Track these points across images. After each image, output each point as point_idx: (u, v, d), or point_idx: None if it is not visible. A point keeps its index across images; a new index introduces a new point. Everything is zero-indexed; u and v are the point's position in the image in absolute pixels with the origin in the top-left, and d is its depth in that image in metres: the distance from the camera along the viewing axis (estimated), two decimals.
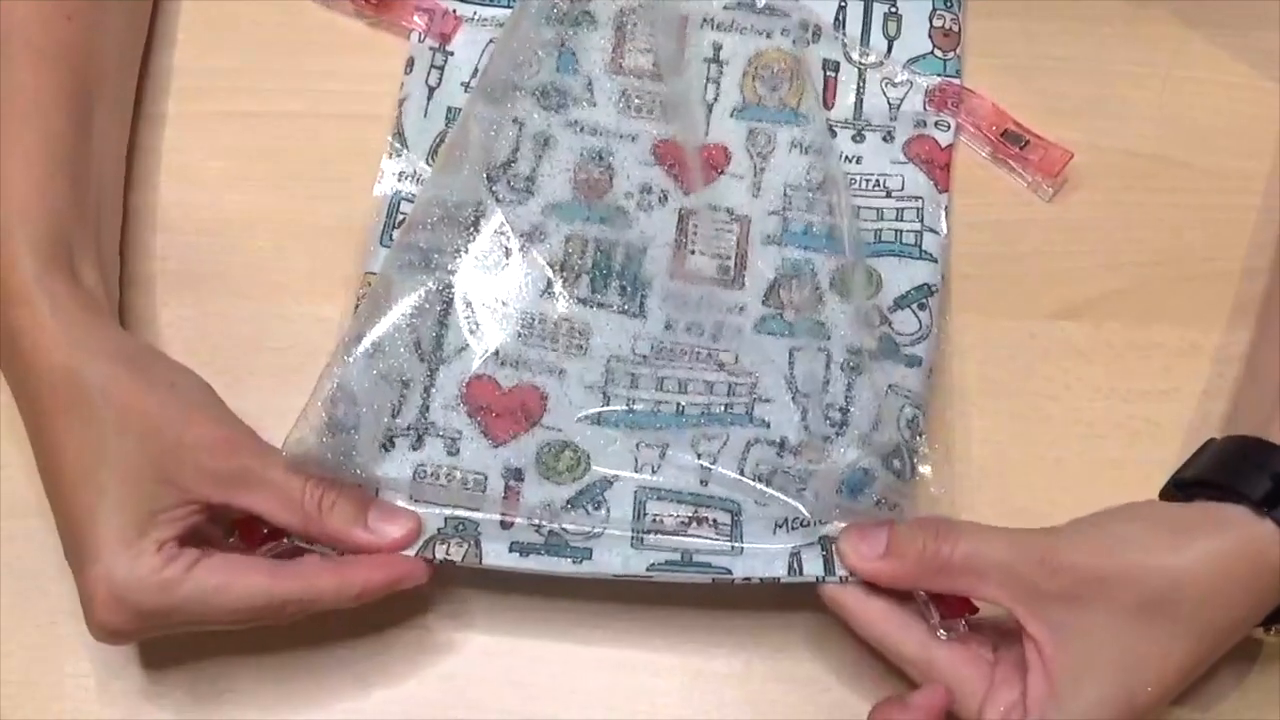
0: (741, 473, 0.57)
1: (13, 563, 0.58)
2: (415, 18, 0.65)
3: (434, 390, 0.58)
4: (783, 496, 0.57)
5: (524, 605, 0.58)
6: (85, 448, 0.53)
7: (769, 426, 0.58)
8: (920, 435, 0.58)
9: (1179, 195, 0.65)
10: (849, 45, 0.65)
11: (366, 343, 0.56)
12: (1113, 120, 0.66)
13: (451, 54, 0.64)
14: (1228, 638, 0.53)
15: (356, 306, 0.59)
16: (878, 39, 0.65)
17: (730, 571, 0.55)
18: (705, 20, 0.65)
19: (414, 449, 0.57)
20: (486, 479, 0.57)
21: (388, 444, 0.57)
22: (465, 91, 0.63)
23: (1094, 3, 0.68)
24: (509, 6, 0.65)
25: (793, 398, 0.58)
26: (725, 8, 0.65)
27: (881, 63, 0.65)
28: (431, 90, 0.63)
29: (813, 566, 0.55)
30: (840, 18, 0.66)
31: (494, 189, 0.61)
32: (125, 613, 0.52)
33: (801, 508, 0.56)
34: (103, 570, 0.52)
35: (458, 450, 0.57)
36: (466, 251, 0.59)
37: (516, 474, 0.57)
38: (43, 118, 0.56)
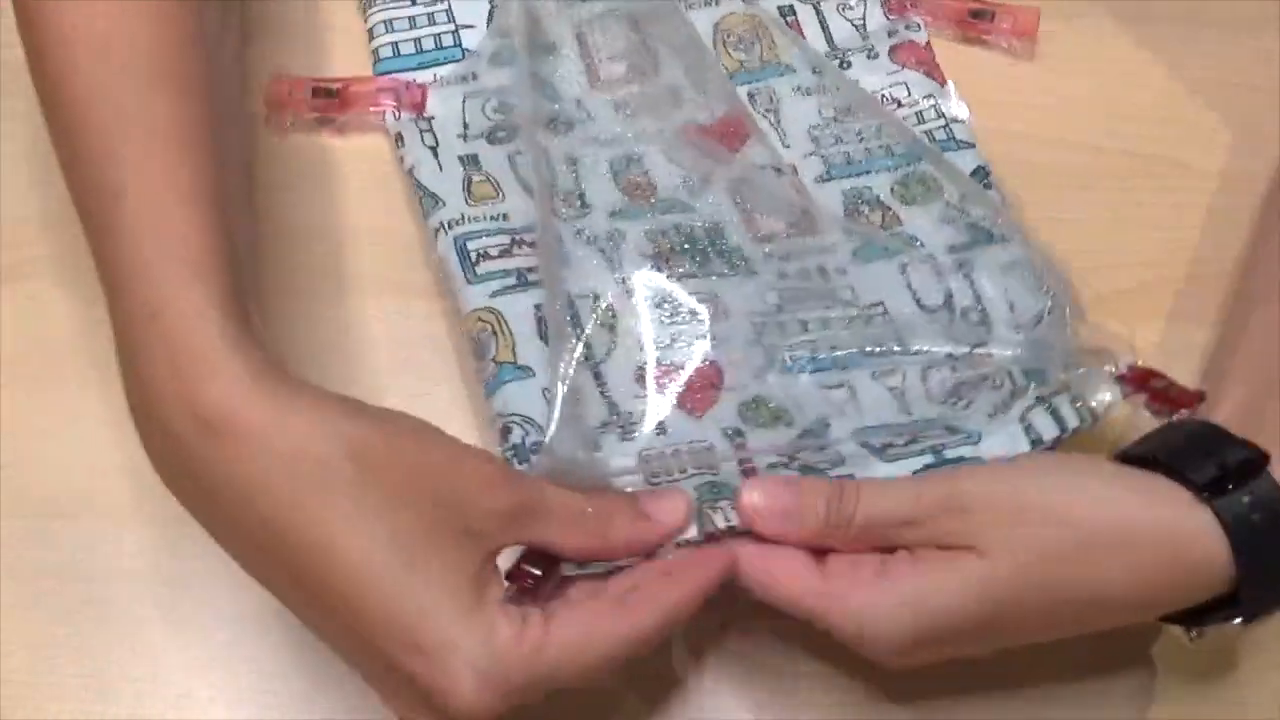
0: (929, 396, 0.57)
1: (13, 563, 0.58)
2: (382, 99, 0.63)
3: (609, 390, 0.57)
4: (990, 367, 0.57)
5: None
6: (372, 529, 0.45)
7: (927, 352, 0.58)
8: (1051, 289, 0.58)
9: (1179, 195, 0.65)
10: None
11: (559, 365, 0.55)
12: (1113, 120, 0.66)
13: (433, 118, 0.63)
14: (1128, 611, 0.51)
15: (476, 344, 0.57)
16: None
17: (982, 460, 0.55)
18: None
19: (626, 440, 0.56)
20: (711, 442, 0.56)
21: (596, 445, 0.55)
22: (465, 141, 0.62)
23: (1093, 2, 0.68)
24: (460, 58, 0.64)
25: (929, 314, 0.59)
26: None
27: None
28: (434, 150, 0.62)
29: (1045, 426, 0.56)
30: None
31: (556, 209, 0.60)
32: (497, 693, 0.45)
33: (1014, 371, 0.56)
34: (465, 654, 0.45)
35: (666, 430, 0.56)
36: (563, 263, 0.58)
37: (736, 432, 0.56)
38: (193, 153, 0.49)
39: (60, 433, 0.60)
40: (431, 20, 0.65)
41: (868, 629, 0.49)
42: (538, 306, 0.57)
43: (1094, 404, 0.56)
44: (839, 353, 0.58)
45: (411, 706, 0.47)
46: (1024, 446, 0.56)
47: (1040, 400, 0.56)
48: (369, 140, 0.64)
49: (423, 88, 0.63)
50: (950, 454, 0.56)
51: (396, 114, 0.63)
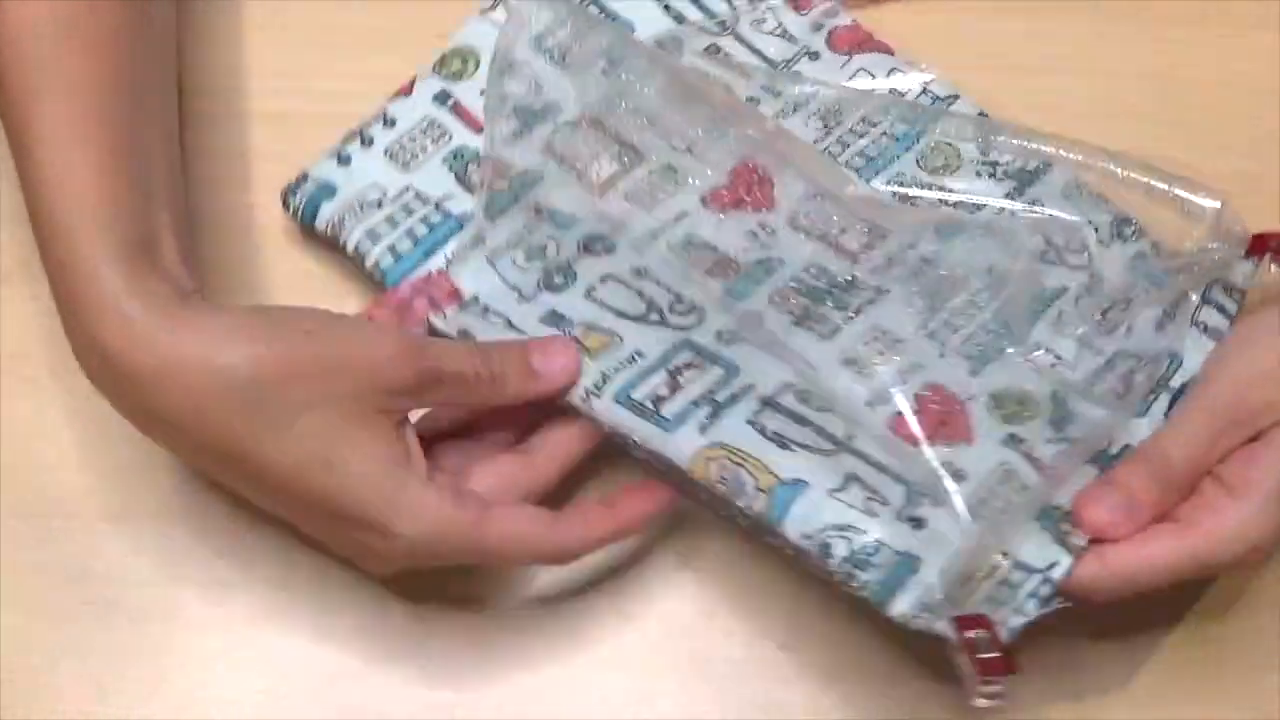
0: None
1: (13, 563, 0.58)
2: (416, 305, 0.58)
3: (886, 468, 0.54)
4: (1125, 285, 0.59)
5: (520, 601, 0.58)
6: (283, 440, 0.49)
7: (1065, 289, 0.59)
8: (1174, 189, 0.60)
9: None
10: (702, 24, 0.65)
11: (889, 457, 0.54)
12: (1113, 120, 0.66)
13: (475, 297, 0.59)
14: None
15: (726, 485, 0.53)
16: (713, 1, 0.66)
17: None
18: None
19: (938, 505, 0.53)
20: (1008, 462, 0.54)
21: (915, 522, 0.53)
22: (529, 302, 0.59)
23: (1095, 3, 0.68)
24: (459, 228, 0.60)
25: (1039, 256, 0.59)
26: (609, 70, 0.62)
27: (737, 17, 0.66)
28: (509, 323, 0.58)
29: (1216, 320, 0.58)
30: (669, 9, 0.65)
31: (671, 323, 0.58)
32: (427, 559, 0.52)
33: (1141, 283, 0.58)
34: (398, 529, 0.50)
35: (964, 473, 0.53)
36: (733, 371, 0.56)
37: (1013, 438, 0.55)
38: (100, 106, 0.52)
39: (60, 433, 0.60)
40: (408, 210, 0.61)
41: (1253, 538, 0.52)
42: (750, 422, 0.55)
43: (1239, 282, 0.59)
44: (1007, 325, 0.58)
45: (371, 563, 0.54)
46: (1209, 345, 0.57)
47: (1203, 299, 0.58)
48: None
49: (443, 274, 0.59)
50: (1176, 383, 0.57)
51: (440, 313, 0.59)
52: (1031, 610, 0.52)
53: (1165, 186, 0.60)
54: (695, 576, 0.59)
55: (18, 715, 0.56)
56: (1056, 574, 0.52)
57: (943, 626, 0.51)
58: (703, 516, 0.58)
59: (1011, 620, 0.52)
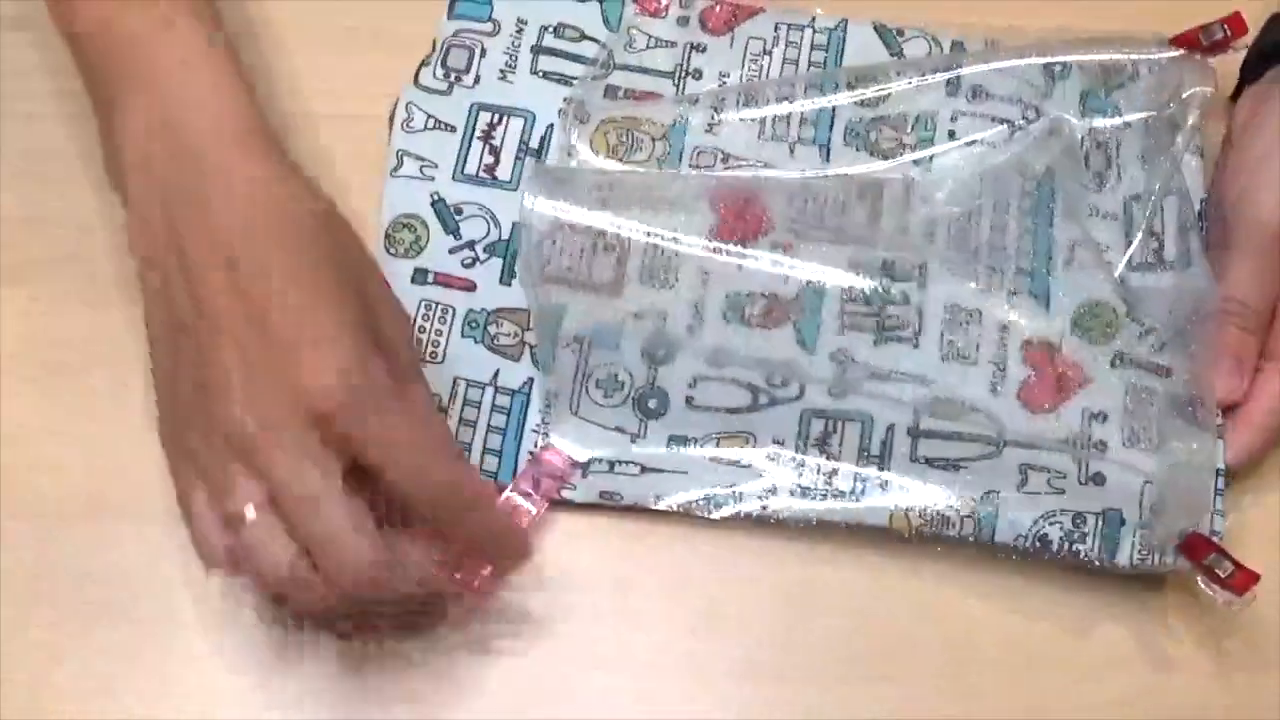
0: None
1: (14, 563, 0.58)
2: (542, 486, 0.58)
3: (1041, 446, 0.56)
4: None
5: (517, 600, 0.58)
6: (317, 259, 0.51)
7: (1051, 170, 0.60)
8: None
9: None
10: (590, 73, 0.65)
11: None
12: None
13: (592, 457, 0.59)
14: None
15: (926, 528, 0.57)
16: (582, 48, 0.66)
17: (1200, 194, 0.61)
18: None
19: (1131, 446, 0.56)
20: (1132, 383, 0.57)
21: (1097, 479, 0.56)
22: (633, 439, 0.58)
23: (1095, 2, 0.68)
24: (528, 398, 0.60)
25: (1024, 132, 0.61)
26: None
27: (610, 52, 0.65)
28: (644, 469, 0.58)
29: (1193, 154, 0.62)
30: (548, 75, 0.65)
31: (780, 399, 0.58)
32: (354, 390, 0.49)
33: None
34: (343, 347, 0.50)
35: (1108, 415, 0.56)
36: (870, 423, 0.57)
37: (1120, 357, 0.57)
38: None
39: (61, 433, 0.60)
40: (474, 405, 0.59)
41: None
42: (914, 460, 0.57)
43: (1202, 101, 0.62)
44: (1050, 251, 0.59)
45: (268, 408, 0.50)
46: (1194, 160, 0.61)
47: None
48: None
49: (550, 449, 0.59)
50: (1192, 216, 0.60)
51: (570, 485, 0.58)
52: (1220, 505, 0.55)
53: (1118, 54, 0.63)
54: (696, 575, 0.59)
55: (18, 715, 0.56)
56: (1220, 462, 0.55)
57: (1172, 562, 0.54)
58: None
59: (1216, 523, 0.55)
